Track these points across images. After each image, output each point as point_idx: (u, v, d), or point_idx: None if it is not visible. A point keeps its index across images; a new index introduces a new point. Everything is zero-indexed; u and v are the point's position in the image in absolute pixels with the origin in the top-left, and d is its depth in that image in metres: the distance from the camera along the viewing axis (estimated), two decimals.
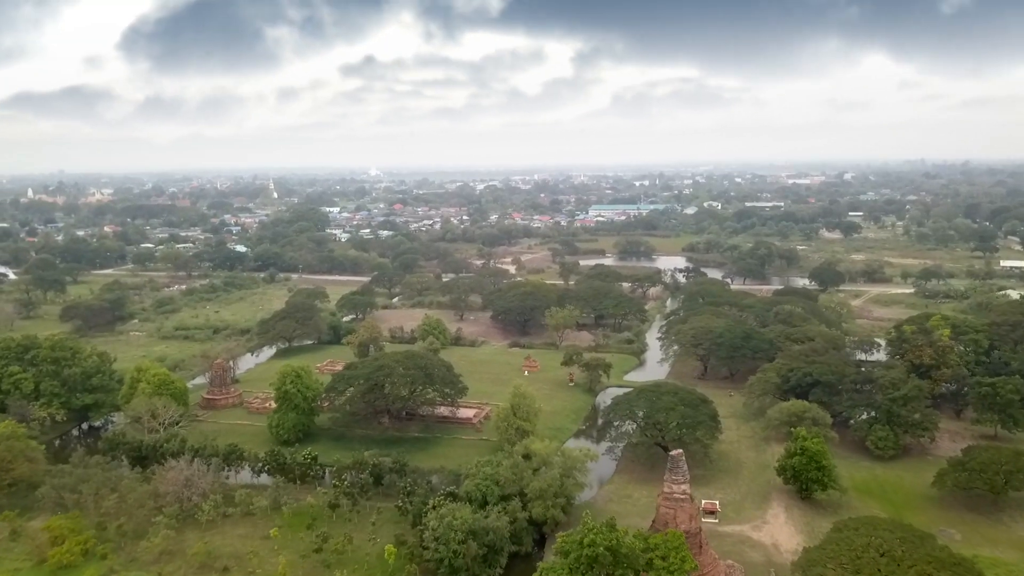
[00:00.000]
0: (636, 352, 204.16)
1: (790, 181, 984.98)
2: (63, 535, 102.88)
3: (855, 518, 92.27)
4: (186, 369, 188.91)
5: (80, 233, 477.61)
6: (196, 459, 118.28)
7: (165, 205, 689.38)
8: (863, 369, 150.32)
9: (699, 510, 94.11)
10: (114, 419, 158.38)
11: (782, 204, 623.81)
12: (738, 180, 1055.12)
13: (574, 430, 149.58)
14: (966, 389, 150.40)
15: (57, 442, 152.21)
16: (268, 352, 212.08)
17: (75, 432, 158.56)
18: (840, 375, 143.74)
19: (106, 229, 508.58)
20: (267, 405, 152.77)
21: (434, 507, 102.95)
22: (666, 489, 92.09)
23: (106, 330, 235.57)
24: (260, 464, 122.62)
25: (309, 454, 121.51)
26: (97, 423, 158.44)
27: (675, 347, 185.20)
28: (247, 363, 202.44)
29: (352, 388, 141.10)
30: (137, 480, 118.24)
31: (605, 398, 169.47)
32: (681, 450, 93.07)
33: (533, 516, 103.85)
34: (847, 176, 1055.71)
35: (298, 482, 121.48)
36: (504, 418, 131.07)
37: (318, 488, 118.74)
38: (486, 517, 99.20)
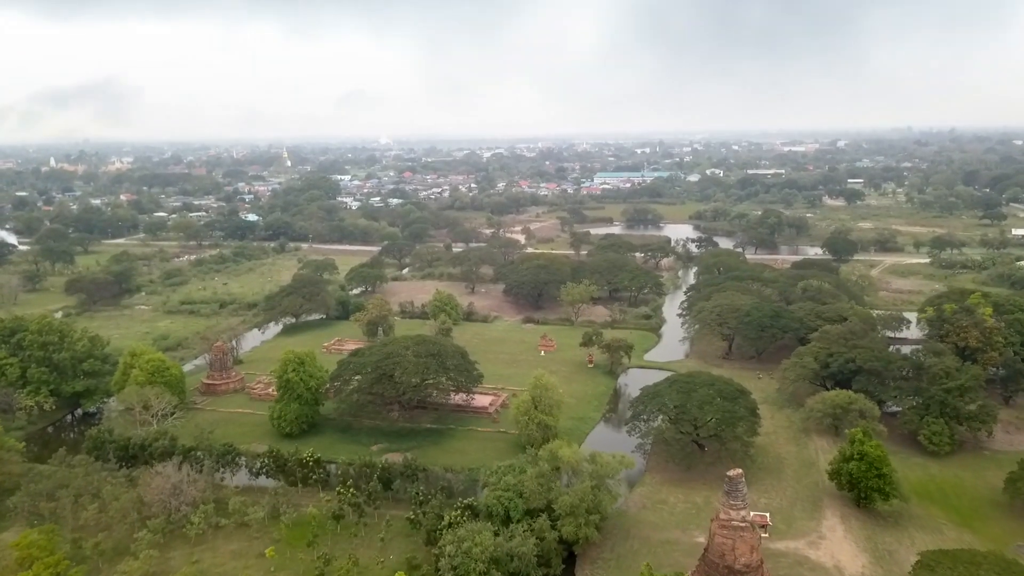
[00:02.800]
0: (654, 328, 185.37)
1: (785, 148, 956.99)
2: (33, 555, 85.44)
3: (947, 551, 74.02)
4: (188, 348, 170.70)
5: (96, 202, 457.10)
6: (186, 463, 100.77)
7: (181, 173, 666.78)
8: (910, 355, 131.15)
9: (760, 538, 75.95)
10: (108, 404, 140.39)
11: (783, 171, 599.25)
12: (735, 148, 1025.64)
13: (598, 419, 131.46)
14: (1017, 374, 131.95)
15: (51, 429, 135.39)
16: (275, 329, 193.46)
17: (68, 419, 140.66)
18: (885, 361, 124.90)
19: (122, 198, 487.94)
20: (270, 391, 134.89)
21: (450, 524, 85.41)
22: (723, 515, 74.05)
23: (111, 304, 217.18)
24: (258, 465, 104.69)
25: (311, 456, 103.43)
26: (91, 409, 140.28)
27: (697, 325, 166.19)
28: (253, 340, 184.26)
29: (359, 376, 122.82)
30: (122, 485, 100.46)
31: (627, 380, 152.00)
32: (740, 470, 74.68)
33: (563, 535, 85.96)
34: (840, 144, 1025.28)
35: (300, 485, 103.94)
36: (524, 412, 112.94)
37: (321, 494, 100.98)
38: (511, 538, 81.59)
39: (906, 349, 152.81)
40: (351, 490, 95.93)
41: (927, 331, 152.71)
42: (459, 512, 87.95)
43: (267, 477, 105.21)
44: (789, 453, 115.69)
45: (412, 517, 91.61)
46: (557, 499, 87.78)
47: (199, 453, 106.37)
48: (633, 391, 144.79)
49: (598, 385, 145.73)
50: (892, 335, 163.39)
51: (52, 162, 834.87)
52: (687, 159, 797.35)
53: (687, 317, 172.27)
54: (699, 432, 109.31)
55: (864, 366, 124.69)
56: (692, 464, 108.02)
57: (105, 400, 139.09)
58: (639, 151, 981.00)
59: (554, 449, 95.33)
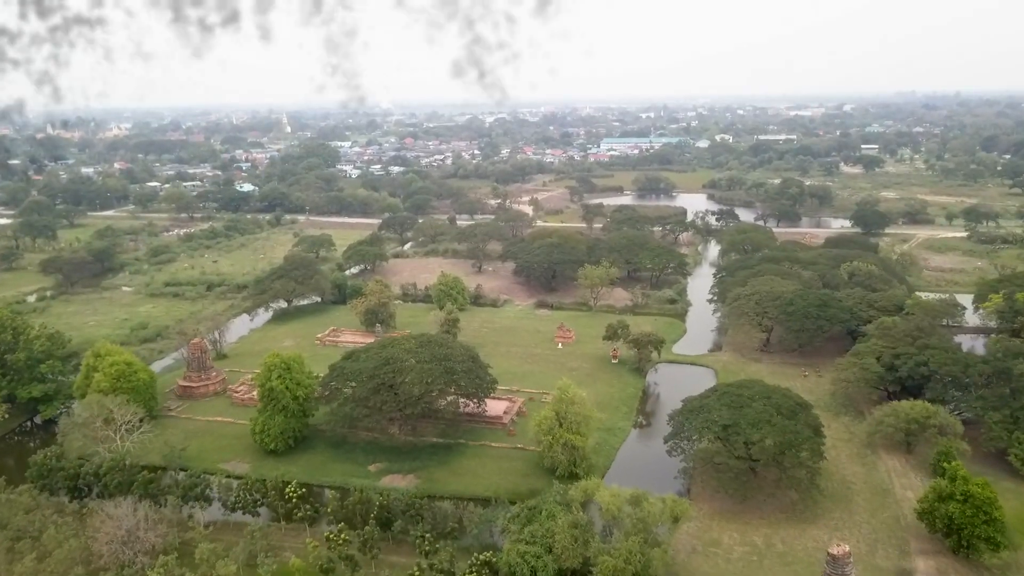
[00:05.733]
0: (680, 314, 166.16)
1: (792, 113, 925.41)
2: None
3: None
4: (169, 338, 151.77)
5: (88, 171, 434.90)
6: (146, 498, 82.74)
7: (178, 140, 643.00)
8: (990, 357, 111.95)
9: None
10: (73, 409, 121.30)
11: (794, 137, 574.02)
12: (740, 112, 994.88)
13: (628, 429, 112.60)
14: None
15: (15, 437, 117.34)
16: (265, 315, 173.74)
17: (28, 425, 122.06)
18: (963, 365, 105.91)
19: (115, 166, 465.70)
20: (254, 395, 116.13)
21: None
22: None
23: (91, 284, 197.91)
24: (232, 499, 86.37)
25: (295, 491, 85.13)
26: (54, 416, 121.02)
27: (734, 316, 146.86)
28: (240, 328, 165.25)
29: (354, 384, 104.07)
30: (69, 525, 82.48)
31: (656, 378, 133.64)
32: (847, 548, 56.15)
33: None
34: (847, 108, 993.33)
35: (283, 521, 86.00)
36: (547, 430, 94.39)
37: (308, 538, 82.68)
38: None
39: (960, 338, 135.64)
40: (343, 535, 77.88)
41: (998, 323, 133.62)
42: (475, 571, 70.02)
43: (243, 512, 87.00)
44: (856, 476, 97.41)
45: (417, 574, 73.57)
46: (596, 558, 69.53)
47: (165, 480, 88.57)
48: (665, 392, 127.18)
49: (625, 386, 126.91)
50: (946, 323, 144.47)
51: (48, 128, 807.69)
52: (693, 124, 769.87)
53: (721, 305, 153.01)
54: (752, 455, 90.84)
55: (939, 371, 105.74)
56: (748, 495, 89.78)
57: (67, 405, 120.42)
58: (644, 116, 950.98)
59: (589, 491, 76.78)
